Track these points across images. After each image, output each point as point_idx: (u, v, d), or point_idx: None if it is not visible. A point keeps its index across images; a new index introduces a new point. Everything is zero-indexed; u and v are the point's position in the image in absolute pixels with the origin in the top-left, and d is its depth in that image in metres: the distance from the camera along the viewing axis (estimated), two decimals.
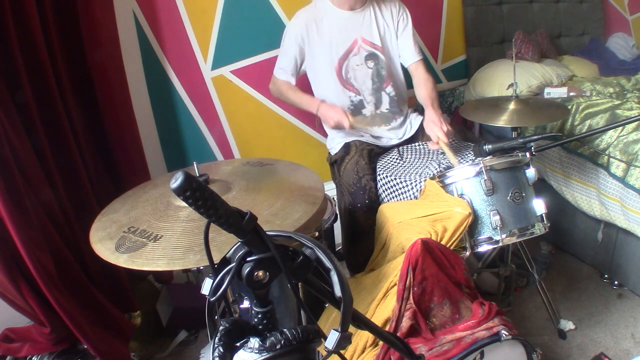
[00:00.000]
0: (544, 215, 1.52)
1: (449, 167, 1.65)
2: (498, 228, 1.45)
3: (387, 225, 1.55)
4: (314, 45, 1.89)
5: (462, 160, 1.71)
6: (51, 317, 1.46)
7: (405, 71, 2.05)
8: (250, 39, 2.18)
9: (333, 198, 1.88)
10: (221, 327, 0.65)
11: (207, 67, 2.15)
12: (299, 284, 0.68)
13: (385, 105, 1.98)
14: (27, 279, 1.39)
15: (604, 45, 3.11)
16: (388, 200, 1.76)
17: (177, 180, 0.53)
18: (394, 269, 1.40)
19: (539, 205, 1.51)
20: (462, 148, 1.83)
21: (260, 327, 0.68)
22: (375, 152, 1.93)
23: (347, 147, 1.94)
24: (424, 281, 1.29)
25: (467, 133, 1.95)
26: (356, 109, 1.97)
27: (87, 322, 1.52)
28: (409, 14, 1.98)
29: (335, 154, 1.99)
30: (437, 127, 1.73)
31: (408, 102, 2.13)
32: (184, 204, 0.57)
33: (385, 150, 1.96)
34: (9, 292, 1.41)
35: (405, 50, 1.98)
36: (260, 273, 0.63)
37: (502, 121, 1.78)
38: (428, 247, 1.30)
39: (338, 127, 1.85)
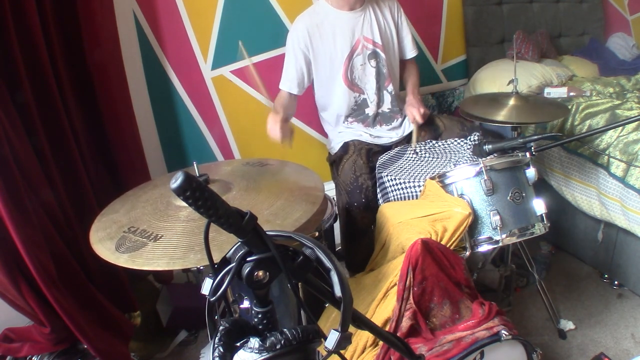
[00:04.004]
0: (544, 215, 1.52)
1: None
2: (498, 228, 1.45)
3: (387, 225, 1.55)
4: (317, 50, 1.88)
5: (458, 162, 1.71)
6: (51, 317, 1.46)
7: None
8: (250, 39, 2.18)
9: (333, 198, 1.89)
10: (221, 327, 0.65)
11: (207, 67, 2.16)
12: (299, 284, 0.68)
13: (387, 105, 1.99)
14: (27, 279, 1.39)
15: (604, 45, 3.10)
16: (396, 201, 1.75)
17: (177, 180, 0.53)
18: (394, 269, 1.40)
19: (539, 205, 1.51)
20: (460, 149, 1.83)
21: (260, 327, 0.68)
22: (374, 152, 1.93)
23: (345, 146, 1.94)
24: (424, 281, 1.29)
25: (465, 123, 1.95)
26: (359, 108, 1.98)
27: (87, 322, 1.52)
28: (402, 9, 2.01)
29: (335, 153, 1.99)
30: (414, 109, 1.91)
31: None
32: (184, 203, 0.57)
33: (385, 149, 1.96)
34: (9, 292, 1.41)
35: (405, 44, 2.04)
36: (260, 273, 0.63)
37: (502, 117, 1.77)
38: (428, 247, 1.29)
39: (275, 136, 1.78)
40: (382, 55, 1.93)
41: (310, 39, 1.86)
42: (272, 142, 2.36)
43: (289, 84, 1.92)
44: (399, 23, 1.99)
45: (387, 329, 1.29)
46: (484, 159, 1.49)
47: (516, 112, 1.79)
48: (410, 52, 2.06)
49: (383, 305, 1.36)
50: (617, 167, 1.86)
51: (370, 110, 1.98)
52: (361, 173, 1.79)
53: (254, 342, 0.63)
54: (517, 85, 1.87)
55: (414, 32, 2.19)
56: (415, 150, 1.86)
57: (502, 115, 1.78)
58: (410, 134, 2.03)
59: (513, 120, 1.80)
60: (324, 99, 2.01)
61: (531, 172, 1.53)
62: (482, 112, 1.88)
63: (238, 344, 0.65)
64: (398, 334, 1.25)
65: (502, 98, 1.87)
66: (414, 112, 1.89)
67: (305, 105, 2.27)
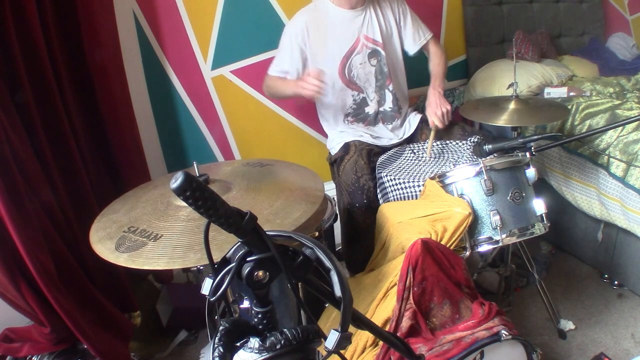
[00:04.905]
0: (544, 215, 1.52)
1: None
2: (498, 228, 1.45)
3: (387, 225, 1.55)
4: (315, 46, 1.89)
5: (456, 162, 1.71)
6: (51, 317, 1.46)
7: (406, 70, 2.06)
8: (250, 39, 2.18)
9: (333, 198, 1.88)
10: (221, 327, 0.65)
11: (207, 67, 2.16)
12: (299, 284, 0.68)
13: (388, 104, 1.99)
14: (27, 279, 1.39)
15: (604, 45, 3.10)
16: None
17: (177, 180, 0.53)
18: (394, 269, 1.40)
19: (539, 205, 1.51)
20: (462, 149, 1.83)
21: (260, 327, 0.68)
22: (374, 152, 1.93)
23: (346, 147, 1.94)
24: (424, 281, 1.29)
25: (466, 127, 1.95)
26: (359, 107, 1.98)
27: (87, 322, 1.52)
28: (405, 3, 2.00)
29: (335, 153, 1.99)
30: (433, 112, 1.83)
31: (409, 101, 2.13)
32: (184, 203, 0.57)
33: (385, 150, 1.96)
34: (9, 292, 1.41)
35: (409, 39, 2.01)
36: (260, 273, 0.63)
37: (502, 121, 1.78)
38: (428, 247, 1.30)
39: (313, 91, 1.75)
40: (383, 53, 1.93)
41: (308, 35, 1.87)
42: (271, 142, 2.38)
43: (280, 74, 1.94)
44: (400, 19, 1.98)
45: (387, 329, 1.29)
46: (483, 159, 1.50)
47: (517, 116, 1.79)
48: (412, 48, 2.02)
49: (383, 305, 1.36)
50: (617, 167, 1.86)
51: (370, 109, 1.98)
52: (362, 174, 1.79)
53: (254, 342, 0.63)
54: (516, 89, 1.88)
55: None
56: (413, 150, 1.86)
57: (502, 119, 1.78)
58: (412, 136, 2.03)
59: (514, 124, 1.80)
60: (321, 97, 2.01)
61: (531, 172, 1.53)
62: (482, 117, 1.88)
63: (238, 344, 0.65)
64: (398, 334, 1.25)
65: (502, 102, 1.87)
66: (433, 118, 1.84)
67: (305, 105, 2.27)
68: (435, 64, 2.03)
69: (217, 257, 0.67)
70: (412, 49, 2.03)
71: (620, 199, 1.84)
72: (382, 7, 1.95)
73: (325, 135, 2.16)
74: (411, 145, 1.90)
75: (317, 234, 1.59)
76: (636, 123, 1.88)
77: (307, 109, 2.28)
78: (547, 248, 2.34)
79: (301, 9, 1.93)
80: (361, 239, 1.84)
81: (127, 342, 1.73)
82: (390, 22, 1.96)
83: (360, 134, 1.99)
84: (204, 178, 1.19)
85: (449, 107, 1.86)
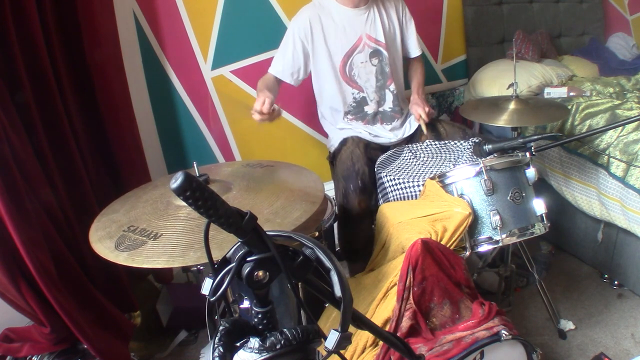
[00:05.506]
0: (544, 215, 1.52)
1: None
2: (498, 228, 1.45)
3: (387, 225, 1.55)
4: (317, 43, 1.89)
5: (459, 162, 1.71)
6: (51, 317, 1.46)
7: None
8: (250, 39, 2.18)
9: (333, 198, 1.88)
10: (221, 327, 0.65)
11: (207, 67, 2.16)
12: (299, 284, 0.68)
13: (388, 104, 1.99)
14: (27, 279, 1.39)
15: (604, 45, 3.11)
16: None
17: (177, 180, 0.53)
18: (394, 269, 1.40)
19: (539, 205, 1.51)
20: (461, 149, 1.83)
21: (260, 327, 0.68)
22: (372, 147, 1.93)
23: (344, 141, 1.94)
24: (424, 281, 1.29)
25: (467, 130, 1.96)
26: (359, 106, 1.98)
27: (87, 322, 1.52)
28: (407, 8, 2.03)
29: (334, 150, 2.00)
30: (420, 107, 1.91)
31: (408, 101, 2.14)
32: (183, 203, 0.57)
33: (383, 149, 1.96)
34: (9, 292, 1.41)
35: (410, 43, 2.06)
36: (260, 273, 0.63)
37: (502, 121, 1.78)
38: (428, 247, 1.29)
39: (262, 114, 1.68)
40: (385, 53, 1.93)
41: (311, 30, 1.87)
42: (271, 142, 2.38)
43: (280, 69, 1.92)
44: (403, 22, 2.00)
45: (387, 329, 1.29)
46: (484, 159, 1.50)
47: (517, 116, 1.79)
48: (414, 51, 2.07)
49: (383, 305, 1.36)
50: (617, 167, 1.86)
51: (370, 109, 1.98)
52: (358, 160, 1.78)
53: (254, 342, 0.63)
54: (516, 89, 1.88)
55: None
56: (411, 150, 1.86)
57: (502, 120, 1.79)
58: (412, 135, 2.03)
59: (514, 124, 1.80)
60: (320, 91, 2.01)
61: (531, 172, 1.53)
62: (482, 118, 1.89)
63: (238, 344, 0.65)
64: (398, 334, 1.25)
65: (502, 102, 1.87)
66: (419, 111, 1.89)
67: (305, 105, 2.28)
68: (419, 74, 2.12)
69: (217, 257, 0.67)
70: (412, 54, 2.08)
71: (620, 199, 1.84)
72: (387, 8, 1.95)
73: (326, 135, 2.16)
74: (409, 146, 1.90)
75: (317, 234, 1.59)
76: (636, 123, 1.88)
77: (307, 109, 2.28)
78: (547, 248, 2.34)
79: (304, 6, 1.93)
80: (356, 225, 1.82)
81: (127, 342, 1.73)
82: (394, 23, 1.97)
83: (359, 131, 1.99)
84: (204, 178, 1.19)
85: (432, 111, 1.95)
